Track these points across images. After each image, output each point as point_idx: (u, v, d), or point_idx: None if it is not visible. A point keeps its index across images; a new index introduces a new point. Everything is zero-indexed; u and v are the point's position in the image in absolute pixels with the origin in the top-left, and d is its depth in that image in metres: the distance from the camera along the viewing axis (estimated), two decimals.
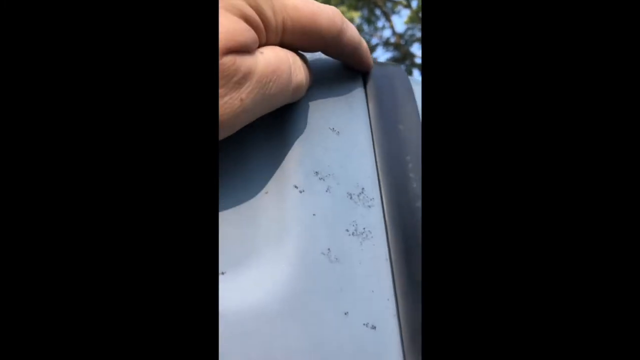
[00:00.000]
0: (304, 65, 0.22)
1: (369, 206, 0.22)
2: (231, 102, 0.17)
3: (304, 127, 0.23)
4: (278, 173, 0.21)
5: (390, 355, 0.19)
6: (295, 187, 0.20)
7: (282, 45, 0.22)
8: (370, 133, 0.25)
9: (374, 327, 0.19)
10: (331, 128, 0.23)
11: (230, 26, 0.17)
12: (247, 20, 0.18)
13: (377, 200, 0.23)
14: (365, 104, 0.26)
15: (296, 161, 0.21)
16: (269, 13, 0.19)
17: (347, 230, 0.21)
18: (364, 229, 0.21)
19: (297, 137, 0.22)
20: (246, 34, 0.18)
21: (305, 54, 0.24)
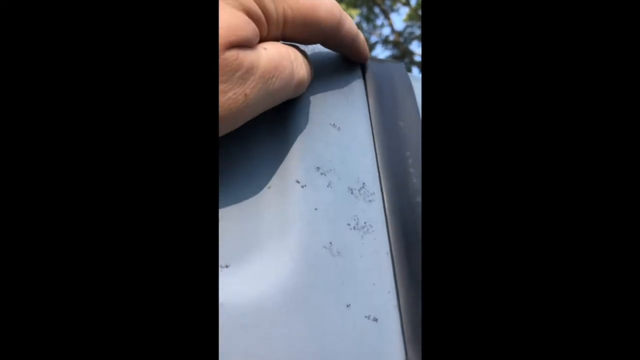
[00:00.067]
0: (305, 60, 0.23)
1: (370, 201, 0.22)
2: (235, 98, 0.18)
3: (305, 123, 0.23)
4: (280, 168, 0.21)
5: (392, 347, 0.19)
6: (297, 182, 0.21)
7: (284, 37, 0.22)
8: (370, 129, 0.25)
9: (375, 319, 0.19)
10: (332, 124, 0.24)
11: (231, 20, 0.17)
12: (249, 13, 0.18)
13: (378, 195, 0.23)
14: (366, 100, 0.27)
15: (298, 156, 0.21)
16: (270, 5, 0.19)
17: (349, 225, 0.21)
18: (365, 223, 0.22)
19: (299, 132, 0.22)
20: (248, 27, 0.18)
21: (305, 50, 0.24)
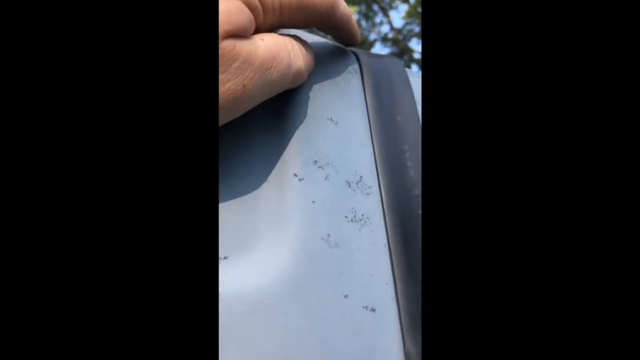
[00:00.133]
0: (304, 51, 0.23)
1: (367, 194, 0.23)
2: (234, 89, 0.18)
3: (303, 118, 0.23)
4: (278, 162, 0.21)
5: (390, 337, 0.19)
6: (295, 175, 0.21)
7: (281, 23, 0.22)
8: (368, 124, 0.26)
9: (373, 310, 0.20)
10: (329, 118, 0.24)
11: (226, 8, 0.17)
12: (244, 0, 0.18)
13: (375, 188, 0.23)
14: (363, 95, 0.27)
15: (295, 150, 0.22)
16: None
17: (346, 217, 0.21)
18: (363, 215, 0.22)
19: (296, 127, 0.23)
20: (243, 15, 0.18)
21: (306, 40, 0.25)
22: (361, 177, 0.23)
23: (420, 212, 0.23)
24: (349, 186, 0.22)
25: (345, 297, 0.19)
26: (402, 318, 0.20)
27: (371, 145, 0.25)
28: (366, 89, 0.27)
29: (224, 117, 0.18)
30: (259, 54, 0.19)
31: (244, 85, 0.18)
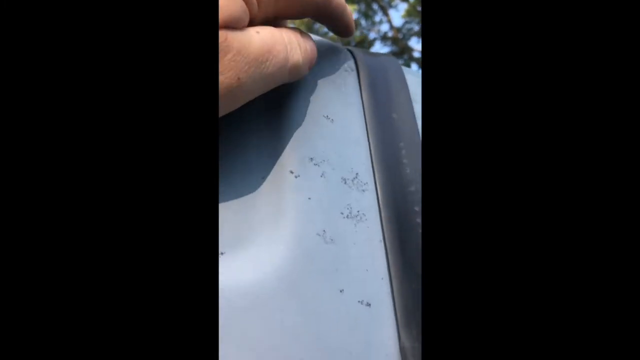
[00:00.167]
0: (303, 44, 0.22)
1: (363, 190, 0.23)
2: (229, 82, 0.18)
3: (299, 116, 0.23)
4: (274, 159, 0.22)
5: (385, 331, 0.20)
6: (291, 172, 0.21)
7: (276, 14, 0.22)
8: (364, 121, 0.26)
9: (368, 304, 0.20)
10: (326, 116, 0.24)
11: None
12: None
13: (371, 185, 0.24)
14: (359, 93, 0.27)
15: (291, 148, 0.22)
16: None
17: (342, 213, 0.21)
18: (358, 212, 0.22)
19: (292, 125, 0.23)
20: (234, 5, 0.18)
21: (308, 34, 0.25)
22: (357, 174, 0.23)
23: (416, 208, 0.24)
24: (345, 183, 0.23)
25: (340, 292, 0.19)
26: (398, 313, 0.20)
27: (367, 142, 0.25)
28: (362, 87, 0.27)
29: (220, 110, 0.18)
30: (253, 47, 0.18)
31: (238, 78, 0.18)
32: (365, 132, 0.25)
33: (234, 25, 0.18)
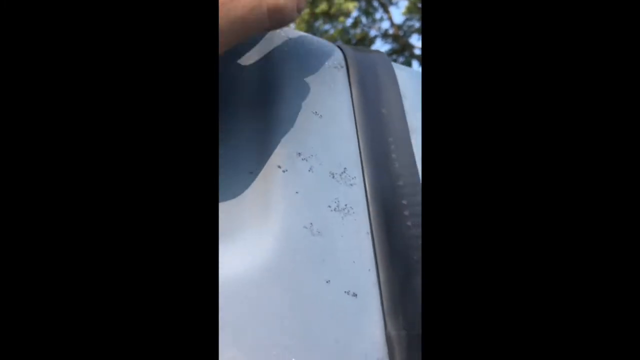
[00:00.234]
0: None
1: (351, 184, 0.24)
2: None
3: (288, 111, 0.24)
4: (262, 154, 0.22)
5: (371, 320, 0.20)
6: (279, 167, 0.22)
7: None
8: (353, 117, 0.26)
9: (355, 295, 0.20)
10: (314, 112, 0.25)
11: None
12: None
13: (359, 179, 0.24)
14: (349, 89, 0.28)
15: (280, 143, 0.22)
16: None
17: (329, 207, 0.22)
18: (346, 205, 0.23)
19: (281, 121, 0.23)
20: None
21: (295, 44, 0.25)
22: (345, 168, 0.24)
23: (404, 201, 0.24)
24: (333, 177, 0.23)
25: (327, 282, 0.20)
26: (384, 303, 0.21)
27: (356, 137, 0.26)
28: (352, 83, 0.28)
29: None
30: None
31: None
32: (355, 127, 0.26)
33: None
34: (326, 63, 0.28)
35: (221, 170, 0.21)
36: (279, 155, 0.22)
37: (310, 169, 0.23)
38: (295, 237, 0.20)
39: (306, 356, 0.18)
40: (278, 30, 0.27)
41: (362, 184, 0.24)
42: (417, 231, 0.24)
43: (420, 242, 0.23)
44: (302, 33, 0.28)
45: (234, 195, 0.21)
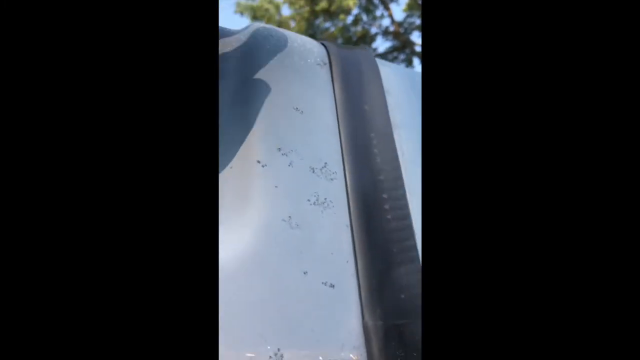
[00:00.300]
0: None
1: (332, 179, 0.24)
2: None
3: (268, 108, 0.24)
4: (242, 150, 0.23)
5: (348, 310, 0.21)
6: (258, 162, 0.22)
7: None
8: (335, 113, 0.27)
9: (332, 286, 0.21)
10: (295, 108, 0.25)
11: None
12: None
13: (340, 174, 0.25)
14: (331, 85, 0.28)
15: (259, 138, 0.23)
16: None
17: (309, 200, 0.22)
18: (325, 199, 0.23)
19: (262, 117, 0.24)
20: None
21: (277, 42, 0.25)
22: (326, 163, 0.24)
23: (384, 195, 0.25)
24: (313, 172, 0.24)
25: (304, 273, 0.20)
26: (362, 294, 0.21)
27: (338, 133, 0.26)
28: (334, 80, 0.28)
29: None
30: None
31: None
32: (337, 123, 0.26)
33: None
34: (309, 60, 0.28)
35: None
36: (259, 150, 0.23)
37: (290, 163, 0.23)
38: (274, 230, 0.21)
39: (283, 345, 0.19)
40: (261, 27, 0.28)
41: (343, 179, 0.25)
42: (397, 224, 0.24)
43: (400, 235, 0.24)
44: (286, 31, 0.29)
45: None
